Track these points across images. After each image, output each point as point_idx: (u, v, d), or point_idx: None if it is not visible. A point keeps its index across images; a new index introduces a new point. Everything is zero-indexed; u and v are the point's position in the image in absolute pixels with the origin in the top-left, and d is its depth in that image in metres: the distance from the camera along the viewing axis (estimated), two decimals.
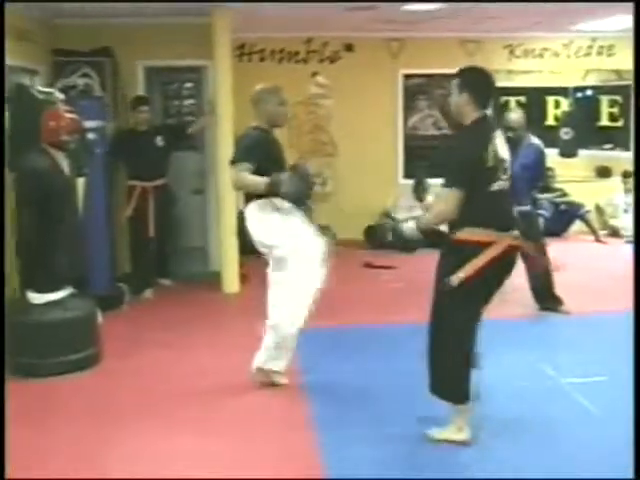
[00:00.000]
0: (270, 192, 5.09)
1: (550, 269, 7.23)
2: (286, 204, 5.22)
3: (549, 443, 4.44)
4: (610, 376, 5.44)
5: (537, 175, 7.36)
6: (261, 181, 5.09)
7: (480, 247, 4.18)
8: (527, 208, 7.12)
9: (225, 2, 7.89)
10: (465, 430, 4.43)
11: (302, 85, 9.90)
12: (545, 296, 7.24)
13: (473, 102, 4.27)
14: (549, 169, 9.58)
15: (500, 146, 4.29)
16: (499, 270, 4.28)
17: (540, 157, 7.27)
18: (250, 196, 5.32)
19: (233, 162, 5.28)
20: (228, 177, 8.05)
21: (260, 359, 5.38)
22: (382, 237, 10.42)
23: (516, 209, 7.00)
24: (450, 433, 4.45)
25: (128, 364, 5.98)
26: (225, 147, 8.12)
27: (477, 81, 4.36)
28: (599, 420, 4.75)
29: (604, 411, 4.85)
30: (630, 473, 3.34)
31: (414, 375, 5.10)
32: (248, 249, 9.06)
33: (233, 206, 8.30)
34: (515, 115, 7.31)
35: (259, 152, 5.21)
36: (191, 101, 10.28)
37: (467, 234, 4.21)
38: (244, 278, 8.33)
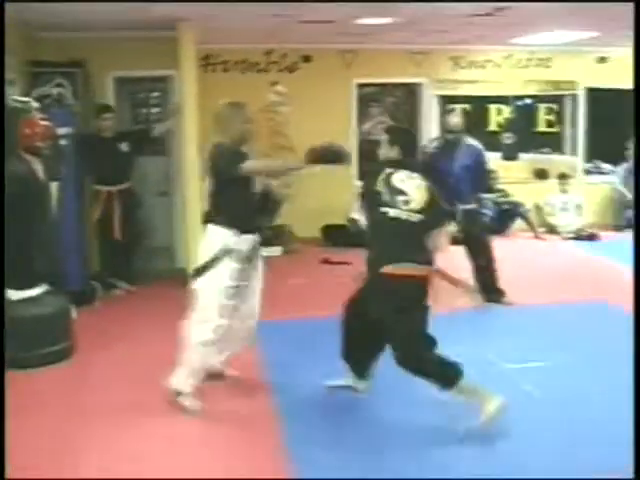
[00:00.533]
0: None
1: (494, 264, 7.32)
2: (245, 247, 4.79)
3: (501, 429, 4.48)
4: (548, 362, 5.54)
5: (479, 174, 7.39)
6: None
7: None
8: (471, 206, 7.20)
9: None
10: (490, 396, 4.39)
11: (263, 94, 9.92)
12: (490, 289, 7.32)
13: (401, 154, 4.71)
14: (492, 171, 9.68)
15: (399, 180, 4.55)
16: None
17: (480, 158, 7.32)
18: (210, 218, 4.88)
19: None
20: (193, 180, 8.14)
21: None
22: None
23: (460, 207, 7.13)
24: (488, 412, 4.35)
25: (101, 356, 5.96)
26: (190, 152, 8.12)
27: (406, 139, 4.96)
28: (540, 402, 4.83)
29: (544, 394, 4.93)
30: (630, 473, 3.30)
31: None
32: None
33: (199, 207, 8.28)
34: (455, 119, 7.35)
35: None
36: (158, 109, 10.23)
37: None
38: None
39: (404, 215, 4.47)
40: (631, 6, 5.47)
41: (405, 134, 5.07)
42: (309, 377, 5.32)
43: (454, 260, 7.19)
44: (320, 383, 5.09)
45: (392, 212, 4.46)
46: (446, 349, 5.16)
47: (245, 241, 4.80)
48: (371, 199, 4.59)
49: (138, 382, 5.38)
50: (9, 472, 3.58)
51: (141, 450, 4.30)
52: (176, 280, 8.39)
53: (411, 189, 4.54)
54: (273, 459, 4.16)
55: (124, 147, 8.24)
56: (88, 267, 8.08)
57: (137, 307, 7.57)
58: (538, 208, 11.68)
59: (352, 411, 4.76)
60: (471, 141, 7.31)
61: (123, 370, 5.67)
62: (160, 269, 9.15)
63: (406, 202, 4.49)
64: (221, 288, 4.72)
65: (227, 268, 4.73)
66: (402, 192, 4.51)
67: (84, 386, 5.32)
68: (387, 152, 4.74)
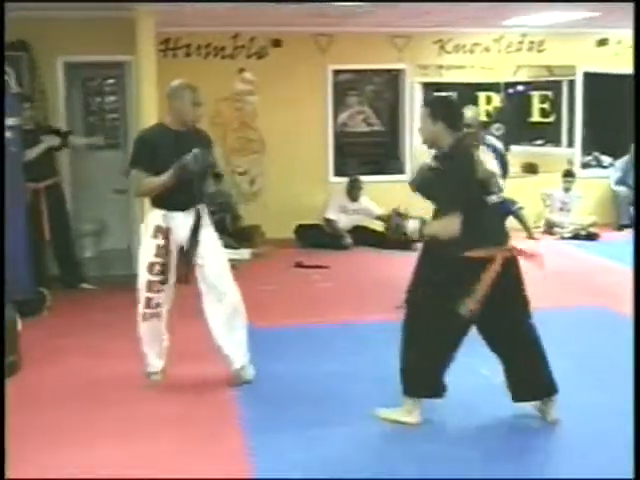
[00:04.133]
0: (179, 177, 5.04)
1: None
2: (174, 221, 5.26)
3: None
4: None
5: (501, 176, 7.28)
6: (164, 177, 5.07)
7: (479, 264, 4.40)
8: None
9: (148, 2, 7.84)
10: (415, 413, 4.65)
11: (229, 81, 9.89)
12: None
13: (448, 128, 4.55)
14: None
15: (486, 159, 4.60)
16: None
17: (500, 159, 7.17)
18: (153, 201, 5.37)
19: (130, 165, 5.36)
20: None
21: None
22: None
23: None
24: (399, 415, 4.67)
25: (49, 372, 5.89)
26: None
27: (449, 110, 4.69)
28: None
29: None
30: (630, 473, 3.40)
31: (345, 376, 5.17)
32: None
33: None
34: (470, 112, 7.23)
35: (147, 153, 5.21)
36: (113, 98, 10.18)
37: (473, 253, 4.40)
38: None
39: (498, 198, 4.59)
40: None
41: (449, 104, 4.91)
42: (278, 388, 5.33)
43: None
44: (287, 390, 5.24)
45: (493, 198, 4.54)
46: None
47: (173, 219, 5.25)
48: (473, 190, 4.47)
49: (91, 401, 5.31)
50: None
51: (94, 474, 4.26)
52: (135, 286, 8.35)
53: (495, 167, 4.69)
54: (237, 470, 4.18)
55: (48, 140, 8.16)
56: (38, 272, 7.96)
57: (91, 317, 7.46)
58: (543, 199, 11.66)
59: (321, 426, 4.75)
60: (491, 140, 7.26)
61: (74, 388, 5.59)
62: (117, 274, 9.12)
63: (497, 183, 4.61)
64: (143, 265, 5.39)
65: (150, 245, 5.31)
66: (494, 174, 4.61)
67: (31, 406, 5.25)
68: (428, 127, 4.63)
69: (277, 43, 10.88)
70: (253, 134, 10.24)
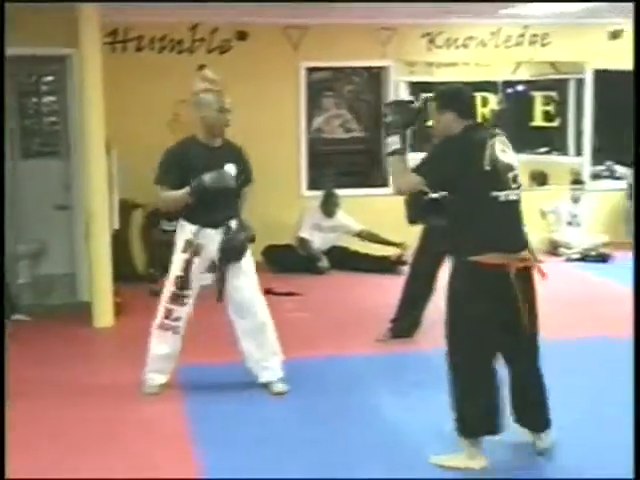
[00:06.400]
0: (195, 196, 5.55)
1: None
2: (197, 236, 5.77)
3: None
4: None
5: None
6: (182, 192, 5.58)
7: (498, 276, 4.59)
8: None
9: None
10: (478, 457, 4.73)
11: (187, 80, 9.73)
12: None
13: (458, 117, 4.79)
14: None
15: (501, 151, 4.69)
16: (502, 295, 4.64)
17: None
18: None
19: (156, 183, 5.79)
20: (99, 190, 7.98)
21: None
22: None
23: None
24: (461, 461, 4.74)
25: None
26: (95, 154, 7.95)
27: (456, 98, 4.93)
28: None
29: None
30: (630, 473, 3.78)
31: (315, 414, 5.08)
32: (124, 275, 8.92)
33: (106, 224, 8.12)
34: None
35: (175, 171, 5.70)
36: (52, 98, 10.05)
37: (483, 259, 4.57)
38: (119, 309, 8.15)
39: (513, 195, 4.69)
40: None
41: (455, 93, 5.05)
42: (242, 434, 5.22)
43: None
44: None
45: (504, 195, 4.63)
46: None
47: (204, 235, 5.79)
48: (475, 182, 4.63)
49: (31, 448, 5.19)
50: None
51: None
52: (78, 317, 8.24)
53: (515, 161, 4.79)
54: None
55: None
56: None
57: (25, 353, 7.25)
58: (543, 214, 11.56)
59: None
60: None
61: (12, 434, 5.43)
62: (57, 303, 9.06)
63: (514, 178, 4.71)
64: (171, 278, 5.83)
65: (179, 259, 5.81)
66: (511, 167, 4.70)
67: None
68: (436, 118, 4.88)
69: (242, 36, 10.78)
70: None
